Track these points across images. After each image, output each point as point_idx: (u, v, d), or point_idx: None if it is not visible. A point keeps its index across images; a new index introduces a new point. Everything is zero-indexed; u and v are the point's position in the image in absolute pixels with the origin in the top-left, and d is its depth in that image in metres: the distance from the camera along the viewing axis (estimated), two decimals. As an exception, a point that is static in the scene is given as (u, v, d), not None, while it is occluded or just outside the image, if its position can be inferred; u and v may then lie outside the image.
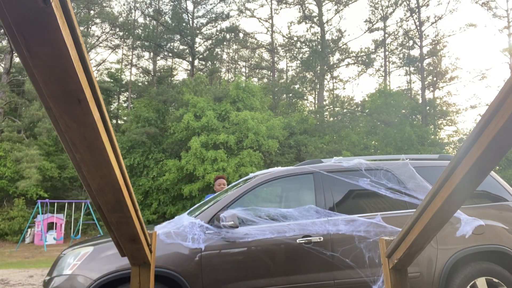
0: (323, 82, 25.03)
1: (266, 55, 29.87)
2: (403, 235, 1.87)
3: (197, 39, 24.66)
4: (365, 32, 26.12)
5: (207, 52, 25.17)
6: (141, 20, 25.78)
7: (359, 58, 26.21)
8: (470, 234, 3.31)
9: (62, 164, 17.52)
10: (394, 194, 3.57)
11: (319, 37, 24.98)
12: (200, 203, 4.16)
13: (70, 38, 0.83)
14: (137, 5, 25.12)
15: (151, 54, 26.29)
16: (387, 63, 27.26)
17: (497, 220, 3.57)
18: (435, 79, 24.37)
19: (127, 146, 17.49)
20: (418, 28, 24.41)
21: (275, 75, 28.22)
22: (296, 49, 26.82)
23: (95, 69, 25.24)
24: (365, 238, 3.28)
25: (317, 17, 25.15)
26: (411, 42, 25.56)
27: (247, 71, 31.59)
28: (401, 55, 26.56)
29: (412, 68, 25.96)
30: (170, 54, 25.60)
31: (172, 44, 24.76)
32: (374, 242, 3.27)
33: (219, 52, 28.04)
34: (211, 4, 31.80)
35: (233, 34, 25.45)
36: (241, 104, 17.19)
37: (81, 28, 22.26)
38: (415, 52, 25.27)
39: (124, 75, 26.65)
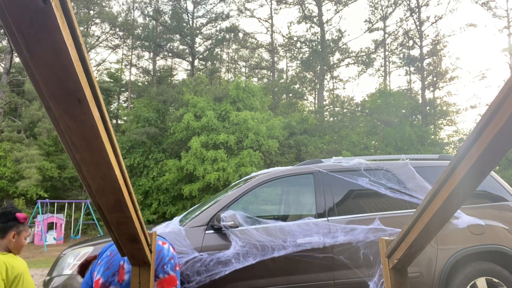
0: (323, 82, 25.04)
1: (266, 55, 29.91)
2: (403, 235, 1.87)
3: (197, 39, 24.69)
4: (365, 32, 26.15)
5: (207, 52, 25.18)
6: (140, 20, 25.83)
7: (359, 58, 26.22)
8: (464, 227, 3.32)
9: (62, 164, 17.53)
10: (394, 194, 3.57)
11: (319, 37, 24.99)
12: (194, 207, 4.13)
13: (70, 38, 0.83)
14: (137, 5, 25.15)
15: (151, 54, 26.31)
16: (387, 63, 27.28)
17: (497, 220, 3.57)
18: (435, 79, 24.37)
19: (127, 146, 17.49)
20: (418, 28, 24.41)
21: (275, 75, 28.22)
22: (296, 49, 26.83)
23: (95, 69, 25.26)
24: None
25: (317, 17, 25.15)
26: (411, 42, 25.57)
27: (247, 71, 31.61)
28: (401, 55, 26.57)
29: (412, 68, 25.97)
30: (170, 54, 25.63)
31: (172, 44, 24.79)
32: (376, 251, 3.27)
33: (219, 52, 28.06)
34: (211, 4, 31.85)
35: (233, 34, 25.47)
36: (241, 104, 17.19)
37: (81, 28, 22.27)
38: (415, 52, 25.31)
39: (124, 75, 26.67)
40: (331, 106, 25.79)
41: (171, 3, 24.53)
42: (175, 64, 28.85)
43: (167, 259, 2.20)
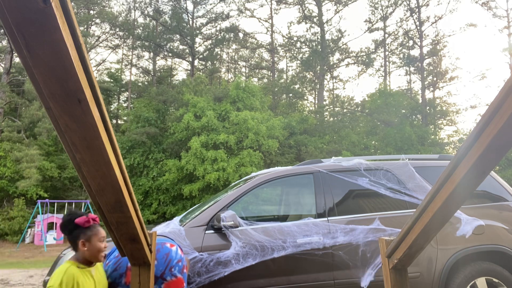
0: (323, 82, 25.04)
1: (266, 55, 29.91)
2: (403, 235, 1.87)
3: (197, 39, 24.68)
4: (365, 32, 26.16)
5: (207, 52, 25.18)
6: (141, 20, 25.82)
7: (359, 58, 26.23)
8: (470, 234, 3.30)
9: (62, 164, 17.53)
10: (394, 194, 3.57)
11: (319, 37, 24.99)
12: (194, 207, 4.12)
13: (70, 38, 0.83)
14: (137, 5, 25.14)
15: (151, 54, 26.30)
16: (387, 63, 27.28)
17: (497, 220, 3.57)
18: (435, 79, 24.37)
19: (127, 146, 17.49)
20: (418, 28, 24.41)
21: (275, 75, 28.22)
22: (296, 49, 26.84)
23: (95, 69, 25.25)
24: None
25: (317, 17, 25.15)
26: (411, 42, 25.58)
27: (247, 71, 31.60)
28: (401, 55, 26.57)
29: (412, 68, 25.97)
30: (170, 54, 25.61)
31: (172, 44, 24.78)
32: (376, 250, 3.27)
33: (219, 52, 28.05)
34: (211, 4, 31.85)
35: (233, 34, 25.47)
36: (241, 104, 17.20)
37: (81, 28, 22.26)
38: (415, 52, 25.31)
39: (124, 75, 26.67)
40: (331, 106, 25.79)
41: (171, 3, 24.54)
42: (175, 64, 28.87)
43: (175, 261, 2.19)
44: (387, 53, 26.91)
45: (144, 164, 17.49)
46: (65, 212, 15.17)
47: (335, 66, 26.77)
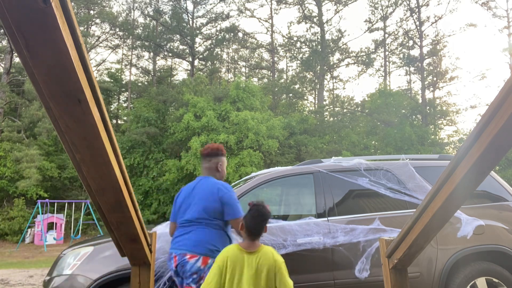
0: (323, 82, 25.03)
1: (266, 55, 29.89)
2: (403, 235, 1.87)
3: (197, 39, 24.68)
4: (365, 32, 26.17)
5: (207, 52, 25.18)
6: (141, 20, 25.83)
7: (359, 58, 26.22)
8: (472, 235, 3.30)
9: (62, 164, 17.53)
10: (394, 194, 3.57)
11: (319, 37, 24.99)
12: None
13: (70, 38, 0.83)
14: (137, 5, 25.14)
15: (151, 54, 26.29)
16: (387, 63, 27.27)
17: (497, 220, 3.57)
18: (435, 79, 24.37)
19: (127, 146, 17.49)
20: (418, 28, 24.41)
21: (275, 75, 28.21)
22: (296, 49, 26.83)
23: (95, 69, 25.23)
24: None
25: (317, 17, 25.15)
26: (411, 42, 25.58)
27: (247, 71, 31.58)
28: (401, 55, 26.56)
29: (412, 68, 25.96)
30: (170, 54, 25.61)
31: (172, 44, 24.78)
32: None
33: (219, 52, 28.03)
34: (211, 4, 31.86)
35: (232, 34, 25.46)
36: (241, 104, 17.19)
37: (81, 28, 22.25)
38: (415, 52, 25.31)
39: (124, 75, 26.66)
40: (331, 106, 25.80)
41: (171, 3, 24.54)
42: (175, 64, 28.85)
43: None
44: (387, 53, 26.91)
45: (144, 164, 17.49)
46: (65, 212, 15.17)
47: (335, 66, 26.77)
